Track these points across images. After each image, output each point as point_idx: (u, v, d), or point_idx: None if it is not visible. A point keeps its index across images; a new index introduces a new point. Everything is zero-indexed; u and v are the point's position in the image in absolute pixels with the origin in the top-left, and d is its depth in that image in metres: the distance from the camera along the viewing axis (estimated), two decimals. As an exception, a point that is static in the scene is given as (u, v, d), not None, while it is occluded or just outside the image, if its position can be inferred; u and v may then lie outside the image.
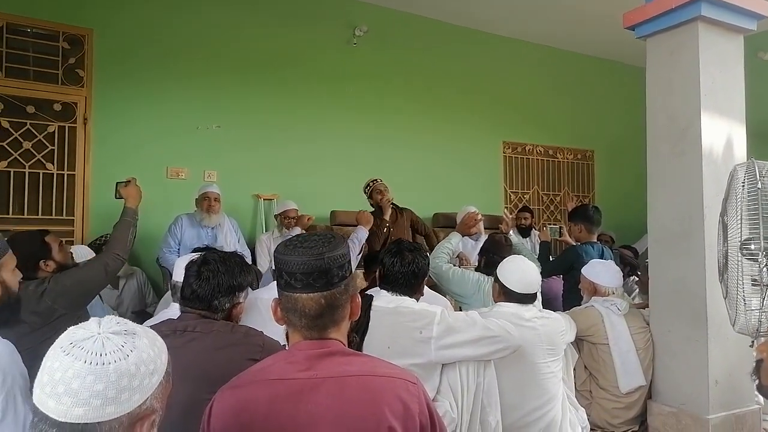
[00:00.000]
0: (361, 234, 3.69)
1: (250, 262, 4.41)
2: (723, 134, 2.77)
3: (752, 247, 2.10)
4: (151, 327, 1.75)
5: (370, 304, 2.19)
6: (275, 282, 2.54)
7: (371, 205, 4.68)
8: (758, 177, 2.06)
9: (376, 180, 4.70)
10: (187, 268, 1.84)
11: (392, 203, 4.65)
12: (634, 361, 2.87)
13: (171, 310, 2.16)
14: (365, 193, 4.73)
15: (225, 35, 5.14)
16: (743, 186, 2.21)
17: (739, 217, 2.18)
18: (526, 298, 2.44)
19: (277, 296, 1.24)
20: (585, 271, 3.18)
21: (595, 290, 3.09)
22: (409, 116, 6.01)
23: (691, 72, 2.72)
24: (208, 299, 1.78)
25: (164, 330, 1.69)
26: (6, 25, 4.36)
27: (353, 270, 3.10)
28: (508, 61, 6.78)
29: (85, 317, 2.57)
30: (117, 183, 2.84)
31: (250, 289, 3.59)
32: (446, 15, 6.20)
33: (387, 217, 4.53)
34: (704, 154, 2.69)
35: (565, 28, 6.46)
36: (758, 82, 5.36)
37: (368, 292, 2.37)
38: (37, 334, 2.28)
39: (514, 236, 3.99)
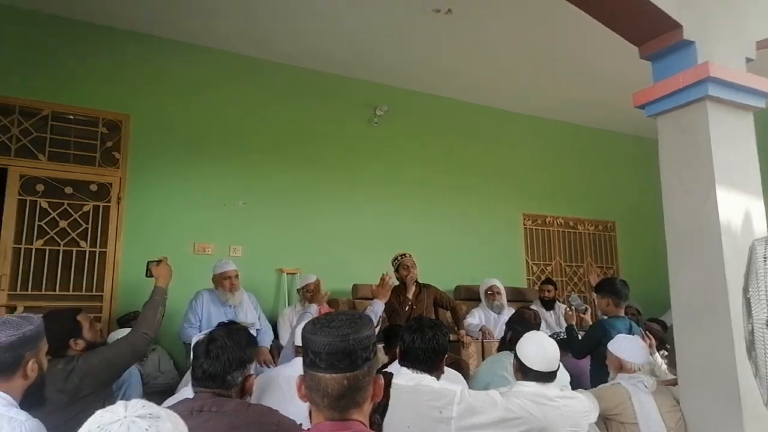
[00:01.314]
0: (377, 307, 3.70)
1: (272, 337, 4.46)
2: (740, 208, 2.78)
3: (777, 323, 2.07)
4: (170, 407, 1.79)
5: (390, 382, 2.19)
6: (296, 359, 2.55)
7: (397, 278, 4.70)
8: (776, 253, 2.06)
9: (405, 255, 4.73)
10: (195, 348, 1.87)
11: (416, 280, 4.66)
12: (666, 442, 2.75)
13: (189, 389, 2.18)
14: (393, 265, 4.76)
15: (251, 116, 5.43)
16: (765, 260, 2.20)
17: (762, 293, 2.16)
18: (546, 377, 2.40)
19: (303, 373, 1.27)
20: (611, 346, 3.10)
21: (621, 366, 3.01)
22: (429, 191, 6.15)
23: (703, 149, 2.77)
24: (221, 376, 1.79)
25: (181, 410, 1.70)
26: (51, 114, 4.68)
27: (377, 352, 3.11)
28: (526, 136, 6.97)
29: (110, 396, 2.62)
30: (148, 262, 2.93)
31: (270, 366, 3.60)
32: (463, 94, 6.47)
33: (410, 294, 4.54)
34: (723, 229, 2.69)
35: (581, 104, 6.67)
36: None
37: (388, 368, 2.37)
38: (63, 413, 2.31)
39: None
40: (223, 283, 4.26)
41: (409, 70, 5.85)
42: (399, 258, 4.74)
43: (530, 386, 2.36)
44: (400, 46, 5.35)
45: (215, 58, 5.36)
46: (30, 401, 1.76)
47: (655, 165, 3.00)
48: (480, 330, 4.98)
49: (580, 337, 4.06)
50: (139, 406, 1.05)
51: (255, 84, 5.50)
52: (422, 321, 2.31)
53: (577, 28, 4.83)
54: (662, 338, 4.70)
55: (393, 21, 4.90)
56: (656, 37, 2.91)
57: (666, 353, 4.36)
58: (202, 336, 1.94)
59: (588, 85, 6.10)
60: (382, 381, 1.30)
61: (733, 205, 2.75)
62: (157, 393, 3.95)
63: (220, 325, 2.88)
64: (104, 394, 2.53)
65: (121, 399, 3.10)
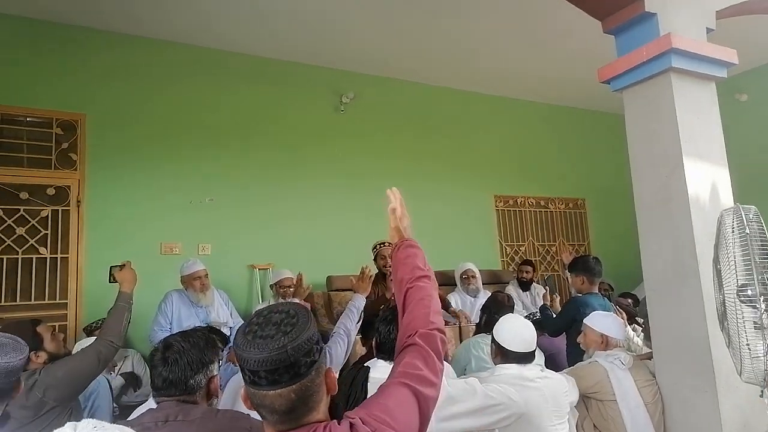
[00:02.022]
0: (359, 302, 3.63)
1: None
2: (707, 179, 2.80)
3: (749, 292, 2.08)
4: (134, 420, 1.70)
5: (367, 376, 2.14)
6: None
7: (376, 267, 4.63)
8: (745, 222, 2.06)
9: (383, 244, 4.64)
10: (151, 357, 1.77)
11: None
12: (644, 417, 2.77)
13: (151, 401, 2.09)
14: (372, 253, 4.69)
15: (212, 109, 5.27)
16: (733, 231, 2.21)
17: (732, 263, 2.17)
18: (525, 357, 2.39)
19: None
20: (593, 323, 3.08)
21: (605, 342, 3.01)
22: (400, 177, 6.05)
23: (669, 121, 2.77)
24: (182, 381, 1.69)
25: (146, 422, 1.63)
26: (1, 116, 4.47)
27: (345, 347, 3.05)
28: (493, 117, 6.95)
29: (77, 408, 2.51)
30: (111, 267, 2.82)
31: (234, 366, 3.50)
32: (430, 78, 6.41)
33: (388, 283, 4.48)
34: (691, 200, 2.70)
35: (548, 82, 6.67)
36: (737, 123, 5.49)
37: (366, 363, 2.31)
38: (26, 429, 2.21)
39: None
40: (193, 284, 4.15)
41: (375, 55, 5.76)
42: (378, 247, 4.67)
43: (511, 368, 2.35)
44: (364, 31, 5.24)
45: (173, 51, 5.17)
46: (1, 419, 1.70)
47: (624, 141, 3.00)
48: (456, 314, 4.97)
49: (554, 316, 4.09)
50: (90, 426, 0.97)
51: (214, 76, 5.33)
52: (396, 312, 2.25)
53: (542, 5, 4.81)
54: (633, 313, 4.76)
55: (356, 6, 4.79)
56: (618, 10, 2.90)
57: (637, 327, 4.42)
58: (157, 345, 1.85)
59: (555, 63, 6.10)
60: (333, 374, 1.19)
61: (701, 176, 2.77)
62: (133, 407, 3.85)
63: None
64: (70, 406, 2.42)
65: (90, 410, 2.99)
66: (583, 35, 5.16)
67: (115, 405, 3.74)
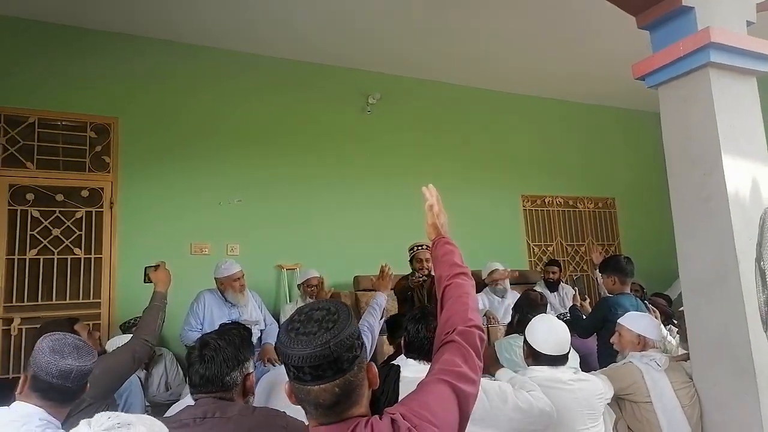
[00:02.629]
0: (380, 299, 3.62)
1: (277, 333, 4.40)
2: (748, 177, 2.71)
3: (794, 293, 2.01)
4: (172, 417, 1.73)
5: (399, 375, 2.13)
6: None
7: (411, 267, 4.61)
8: (790, 221, 1.99)
9: (421, 246, 4.58)
10: (188, 355, 1.80)
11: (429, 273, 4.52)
12: (681, 419, 2.70)
13: (189, 398, 2.12)
14: (409, 254, 4.65)
15: (242, 112, 5.34)
16: (776, 229, 2.14)
17: (776, 263, 2.10)
18: (558, 360, 2.35)
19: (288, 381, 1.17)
20: (629, 324, 3.02)
21: (645, 344, 2.95)
22: (427, 177, 5.94)
23: (708, 117, 2.70)
24: (219, 378, 1.72)
25: (184, 419, 1.66)
26: (37, 121, 4.58)
27: (368, 344, 3.05)
28: (520, 116, 6.89)
29: (113, 405, 2.56)
30: (146, 267, 2.87)
31: (276, 364, 3.54)
32: (457, 77, 6.38)
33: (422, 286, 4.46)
34: (731, 198, 2.62)
35: (576, 80, 6.58)
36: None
37: (395, 361, 2.30)
38: (65, 426, 2.26)
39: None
40: (233, 285, 4.16)
41: (401, 56, 5.75)
42: (415, 249, 4.62)
43: (543, 371, 2.31)
44: (391, 32, 5.24)
45: (203, 55, 5.24)
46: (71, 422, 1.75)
47: (652, 139, 2.94)
48: (484, 315, 4.93)
49: (584, 317, 4.03)
50: (104, 419, 0.99)
51: (244, 79, 5.39)
52: (425, 310, 2.24)
53: (571, 3, 4.75)
54: (669, 313, 4.66)
55: (384, 6, 4.78)
56: (654, 4, 2.83)
57: (673, 328, 4.33)
58: (194, 343, 1.88)
59: (583, 61, 6.01)
60: (375, 368, 1.21)
61: (741, 174, 2.69)
62: (166, 405, 3.91)
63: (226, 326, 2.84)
64: (107, 403, 2.47)
65: (123, 408, 3.05)
66: (613, 33, 5.10)
67: (147, 403, 3.80)
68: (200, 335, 3.79)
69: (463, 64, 6.01)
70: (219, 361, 1.72)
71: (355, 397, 1.15)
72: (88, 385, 1.83)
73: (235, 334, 1.84)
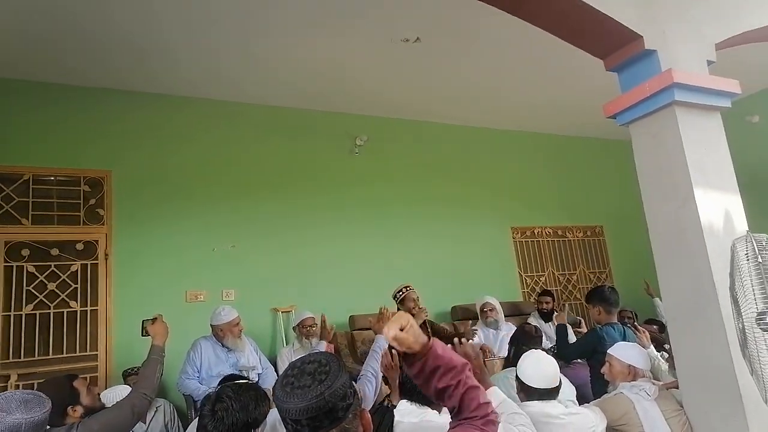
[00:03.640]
0: (382, 342, 3.67)
1: (275, 378, 4.41)
2: (720, 208, 2.82)
3: (767, 319, 2.10)
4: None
5: (393, 422, 2.17)
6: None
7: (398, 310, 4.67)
8: (757, 251, 2.10)
9: (408, 287, 4.66)
10: (201, 407, 1.84)
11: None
12: (674, 448, 2.75)
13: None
14: (396, 298, 4.70)
15: (232, 160, 5.46)
16: (747, 258, 2.24)
17: (749, 291, 2.19)
18: (548, 394, 2.40)
19: None
20: (619, 354, 3.07)
21: (635, 374, 3.01)
22: (417, 215, 6.18)
23: (677, 152, 2.82)
24: None
25: None
26: (31, 177, 4.68)
27: (374, 388, 3.09)
28: (507, 151, 7.06)
29: (112, 460, 2.57)
30: (143, 321, 2.92)
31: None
32: (441, 117, 6.56)
33: (418, 322, 4.49)
34: (705, 229, 2.73)
35: (558, 114, 6.78)
36: (750, 145, 5.50)
37: (389, 402, 2.35)
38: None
39: None
40: (232, 330, 4.22)
41: (386, 98, 5.93)
42: (403, 290, 4.68)
43: (534, 406, 2.36)
44: (374, 76, 5.42)
45: (192, 107, 5.39)
46: None
47: (635, 167, 3.06)
48: (480, 349, 4.95)
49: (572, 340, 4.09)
50: None
51: (233, 127, 5.53)
52: None
53: (547, 41, 4.92)
54: (660, 339, 4.72)
55: (364, 52, 4.96)
56: (618, 49, 2.99)
57: (665, 354, 4.38)
58: (211, 391, 1.92)
59: (566, 96, 6.20)
60: (368, 415, 1.27)
61: (713, 205, 2.80)
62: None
63: (227, 378, 2.84)
64: (105, 460, 2.48)
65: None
66: (594, 69, 5.25)
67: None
68: (199, 383, 3.80)
69: (448, 103, 6.19)
70: (228, 423, 1.77)
71: None
72: None
73: (252, 396, 1.87)
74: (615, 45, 2.98)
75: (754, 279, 2.18)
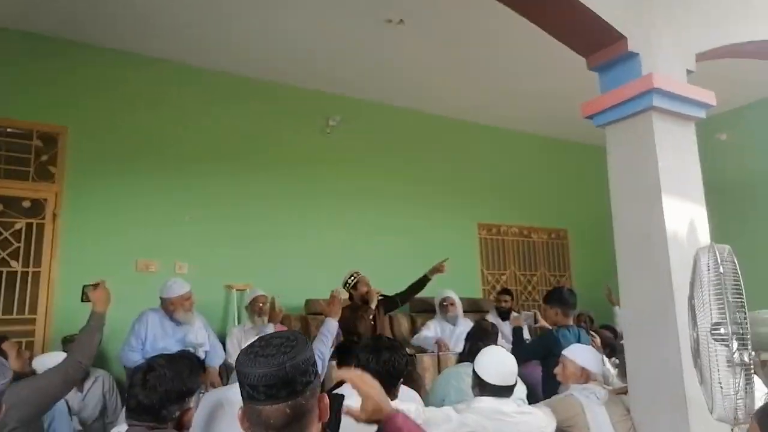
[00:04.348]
0: (331, 326, 3.59)
1: (223, 357, 4.29)
2: (685, 216, 2.83)
3: (722, 331, 2.09)
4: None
5: (341, 404, 2.10)
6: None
7: (351, 297, 4.60)
8: (719, 262, 2.09)
9: (358, 272, 4.65)
10: (132, 375, 1.76)
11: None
12: (618, 452, 2.75)
13: (122, 425, 2.03)
14: (346, 285, 4.65)
15: (196, 128, 5.26)
16: (708, 269, 2.23)
17: (706, 301, 2.18)
18: (503, 391, 2.37)
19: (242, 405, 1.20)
20: (573, 356, 3.06)
21: (587, 377, 3.00)
22: (384, 202, 6.10)
23: (649, 158, 2.82)
24: (155, 409, 1.68)
25: None
26: (-21, 126, 4.40)
27: (319, 371, 3.02)
28: (480, 145, 7.03)
29: (40, 430, 2.42)
30: (84, 286, 2.75)
31: (212, 387, 3.44)
32: (417, 104, 6.47)
33: (373, 306, 4.47)
34: (669, 237, 2.73)
35: (534, 113, 6.78)
36: (717, 162, 5.59)
37: (341, 389, 2.27)
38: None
39: None
40: (183, 304, 4.06)
41: (362, 79, 5.81)
42: (354, 275, 4.64)
43: (487, 401, 2.32)
44: (352, 56, 5.30)
45: (158, 68, 5.16)
46: None
47: (604, 173, 3.05)
48: (435, 342, 4.94)
49: (527, 341, 4.10)
50: None
51: (199, 94, 5.32)
52: (380, 342, 2.23)
53: (529, 41, 4.90)
54: (613, 345, 4.76)
55: (346, 31, 4.84)
56: (602, 48, 2.96)
57: (617, 361, 4.43)
58: (142, 362, 1.82)
59: (540, 96, 6.21)
60: (327, 400, 1.25)
61: (679, 214, 2.80)
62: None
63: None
64: (33, 428, 2.34)
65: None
66: (566, 71, 5.27)
67: (79, 427, 3.62)
68: (142, 357, 3.67)
69: (423, 91, 6.11)
70: (161, 391, 1.69)
71: (305, 423, 1.19)
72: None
73: (185, 365, 1.80)
74: (599, 44, 2.95)
75: (712, 290, 2.18)
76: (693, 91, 2.90)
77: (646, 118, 2.85)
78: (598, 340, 3.95)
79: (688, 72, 3.01)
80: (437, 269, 4.89)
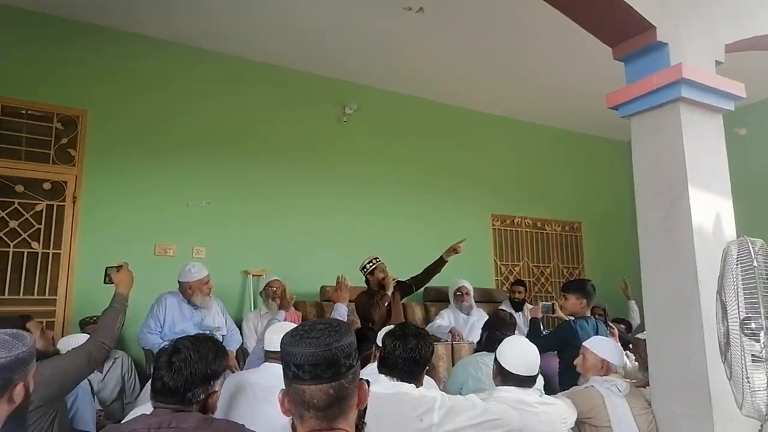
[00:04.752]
0: (341, 310, 3.61)
1: (240, 342, 4.33)
2: (712, 210, 2.80)
3: (753, 325, 2.07)
4: (126, 425, 1.66)
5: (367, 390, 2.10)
6: (265, 364, 2.44)
7: (367, 282, 4.60)
8: (753, 255, 2.06)
9: (377, 258, 4.64)
10: (156, 358, 1.75)
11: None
12: (639, 445, 2.75)
13: (146, 406, 2.04)
14: (364, 270, 4.65)
15: (216, 114, 5.26)
16: (737, 264, 2.20)
17: (736, 295, 2.16)
18: (526, 381, 2.36)
19: (284, 387, 1.23)
20: (594, 347, 3.05)
21: (608, 369, 2.99)
22: (398, 191, 6.09)
23: (676, 150, 2.78)
24: (181, 392, 1.67)
25: (139, 428, 1.60)
26: (1, 108, 4.42)
27: (359, 358, 3.03)
28: (496, 136, 6.99)
29: (62, 409, 2.45)
30: (107, 268, 2.77)
31: (232, 372, 3.47)
32: (434, 94, 6.44)
33: (389, 292, 4.47)
34: (695, 230, 2.70)
35: (551, 105, 6.72)
36: (737, 158, 5.52)
37: (365, 374, 2.28)
38: (8, 427, 2.15)
39: None
40: (201, 288, 4.10)
41: (380, 69, 5.78)
42: (373, 261, 4.64)
43: (510, 391, 2.32)
44: (370, 44, 5.26)
45: (178, 52, 5.16)
46: (11, 426, 1.62)
47: (621, 168, 3.02)
48: (449, 332, 4.94)
49: (543, 333, 4.08)
50: None
51: (219, 79, 5.32)
52: (407, 329, 2.23)
53: (550, 32, 4.85)
54: (627, 340, 4.74)
55: (364, 18, 4.81)
56: (630, 38, 2.91)
57: (630, 354, 4.40)
58: (167, 344, 1.82)
59: (559, 89, 6.15)
60: (366, 387, 1.26)
61: (705, 207, 2.77)
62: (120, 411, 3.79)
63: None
64: (56, 406, 2.37)
65: (71, 413, 2.92)
66: (586, 64, 5.24)
67: (100, 408, 3.66)
68: (161, 339, 3.70)
69: (440, 81, 6.07)
70: (186, 374, 1.68)
71: (345, 406, 1.20)
72: (18, 385, 1.63)
73: (210, 348, 1.79)
74: (627, 33, 2.90)
75: (743, 284, 2.15)
76: (722, 82, 2.85)
77: (674, 109, 2.81)
78: (616, 332, 3.93)
79: (717, 63, 2.96)
80: (454, 249, 4.85)
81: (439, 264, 4.87)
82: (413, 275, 4.89)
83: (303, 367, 1.17)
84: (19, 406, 1.66)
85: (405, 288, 4.84)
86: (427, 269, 4.89)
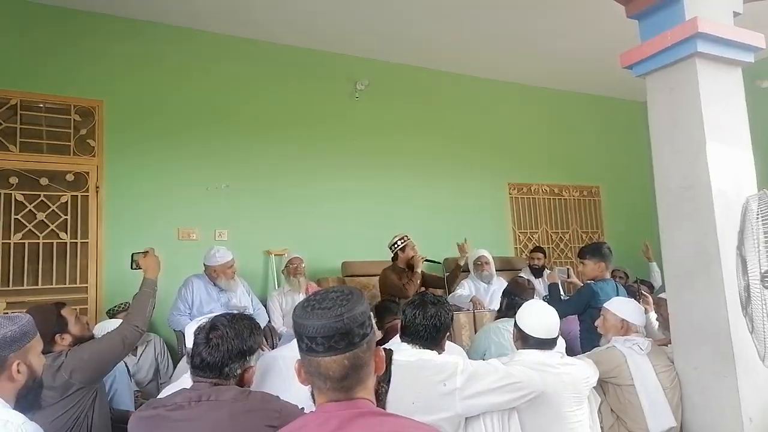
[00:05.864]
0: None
1: (267, 320, 4.43)
2: (731, 166, 2.77)
3: (774, 278, 2.07)
4: (166, 398, 1.74)
5: (391, 359, 2.17)
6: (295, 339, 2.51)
7: (394, 258, 4.73)
8: (772, 209, 2.05)
9: (408, 236, 4.76)
10: (195, 334, 1.82)
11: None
12: (662, 402, 2.78)
13: (185, 380, 2.12)
14: (395, 247, 4.73)
15: (230, 96, 5.28)
16: (758, 217, 2.19)
17: (757, 249, 2.15)
18: (547, 344, 2.40)
19: (300, 358, 1.23)
20: (615, 308, 3.07)
21: (628, 329, 3.01)
22: (414, 164, 6.09)
23: (693, 107, 2.75)
24: (218, 367, 1.75)
25: (179, 401, 1.68)
26: (19, 102, 4.50)
27: (374, 326, 3.09)
28: (508, 104, 6.91)
29: (101, 390, 2.56)
30: (133, 254, 2.85)
31: (265, 349, 3.56)
32: (444, 64, 6.36)
33: (419, 270, 4.63)
34: (713, 186, 2.68)
35: (563, 68, 6.60)
36: (758, 111, 5.39)
37: (389, 345, 2.34)
38: (52, 409, 2.26)
39: None
40: (226, 272, 4.21)
41: (389, 42, 5.72)
42: (405, 239, 4.74)
43: (531, 354, 2.36)
44: (378, 17, 5.20)
45: (191, 39, 5.17)
46: (25, 404, 1.69)
47: (638, 128, 2.99)
48: (471, 301, 4.99)
49: (563, 298, 4.11)
50: None
51: (232, 63, 5.33)
52: (425, 297, 2.28)
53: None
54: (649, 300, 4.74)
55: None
56: (643, -6, 2.85)
57: (653, 313, 4.41)
58: (204, 321, 1.89)
59: (570, 50, 6.03)
60: (382, 353, 1.26)
61: (724, 163, 2.74)
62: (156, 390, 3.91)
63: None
64: (96, 388, 2.47)
65: (110, 394, 3.03)
66: (600, 24, 5.13)
67: (136, 388, 3.80)
68: (190, 320, 3.81)
69: (450, 50, 5.99)
70: (223, 349, 1.75)
71: (362, 375, 1.19)
72: (15, 363, 1.63)
73: (246, 325, 1.85)
74: (639, -11, 2.84)
75: (764, 237, 2.14)
76: (740, 34, 2.79)
77: (690, 65, 2.76)
78: (650, 300, 3.95)
79: (735, 14, 2.90)
80: (462, 250, 5.11)
81: (457, 270, 5.09)
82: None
83: (316, 339, 1.16)
84: (31, 386, 1.69)
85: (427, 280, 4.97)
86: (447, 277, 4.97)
